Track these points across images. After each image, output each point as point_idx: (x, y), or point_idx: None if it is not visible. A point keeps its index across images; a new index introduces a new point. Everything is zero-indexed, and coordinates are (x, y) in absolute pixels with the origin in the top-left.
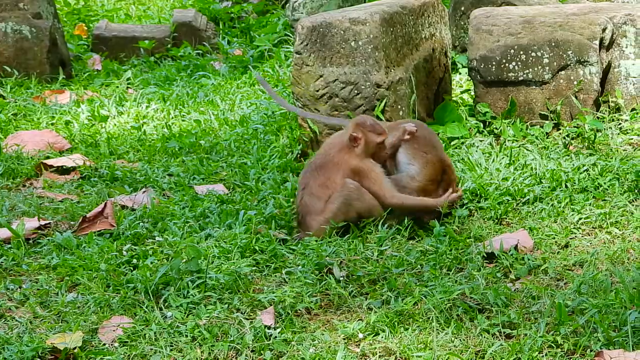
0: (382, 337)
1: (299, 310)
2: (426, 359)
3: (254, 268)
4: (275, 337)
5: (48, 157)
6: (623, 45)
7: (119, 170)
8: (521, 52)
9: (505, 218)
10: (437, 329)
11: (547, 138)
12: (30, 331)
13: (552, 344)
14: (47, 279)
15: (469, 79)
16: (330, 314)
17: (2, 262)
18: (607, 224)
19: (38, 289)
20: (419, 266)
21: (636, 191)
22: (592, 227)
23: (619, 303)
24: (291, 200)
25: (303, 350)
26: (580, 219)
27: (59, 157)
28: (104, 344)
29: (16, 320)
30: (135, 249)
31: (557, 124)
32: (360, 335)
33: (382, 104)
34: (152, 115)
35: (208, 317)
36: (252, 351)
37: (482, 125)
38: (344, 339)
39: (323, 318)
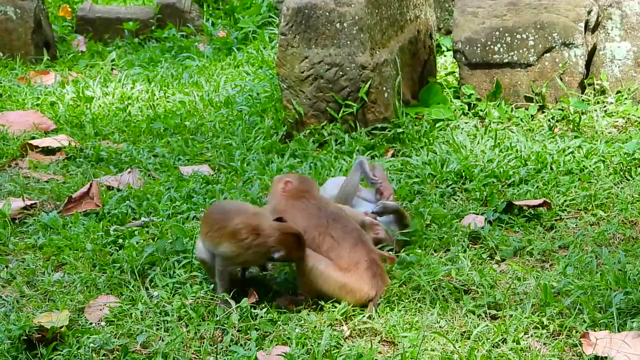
0: (368, 317)
1: None
2: (412, 339)
3: None
4: (261, 317)
5: (33, 138)
6: (608, 28)
7: (104, 151)
8: (506, 34)
9: (491, 200)
10: (422, 310)
11: (532, 120)
12: (17, 310)
13: (538, 325)
14: (33, 258)
15: (454, 61)
16: None
17: None
18: (592, 206)
19: (24, 269)
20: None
21: (621, 173)
22: (578, 209)
23: (605, 285)
24: None
25: (289, 330)
26: (565, 200)
27: (45, 137)
28: (91, 323)
29: (3, 300)
30: (121, 229)
31: (542, 106)
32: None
33: (367, 85)
34: (136, 96)
35: (194, 296)
36: (238, 331)
37: (467, 107)
38: (330, 319)
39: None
